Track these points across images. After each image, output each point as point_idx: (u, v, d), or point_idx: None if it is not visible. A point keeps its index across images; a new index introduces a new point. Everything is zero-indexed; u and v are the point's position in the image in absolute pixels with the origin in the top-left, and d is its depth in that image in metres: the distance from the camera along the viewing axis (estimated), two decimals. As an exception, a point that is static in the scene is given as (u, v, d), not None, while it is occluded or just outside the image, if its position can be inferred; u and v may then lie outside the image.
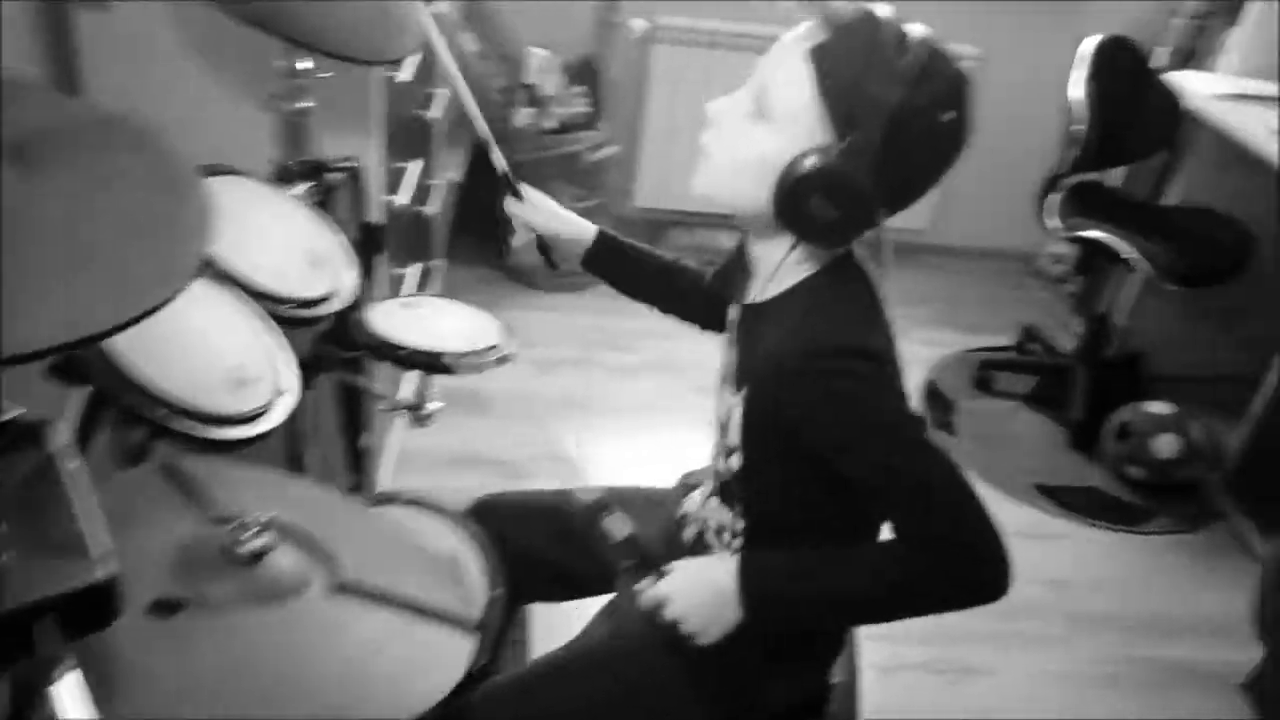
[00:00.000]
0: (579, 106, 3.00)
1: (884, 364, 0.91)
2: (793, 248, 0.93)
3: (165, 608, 0.66)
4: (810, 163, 0.86)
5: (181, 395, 0.89)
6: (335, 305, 1.24)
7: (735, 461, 1.01)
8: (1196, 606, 2.14)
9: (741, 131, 0.92)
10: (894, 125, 0.84)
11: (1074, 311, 3.10)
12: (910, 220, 3.30)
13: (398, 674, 0.69)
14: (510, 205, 1.27)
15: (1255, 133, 2.31)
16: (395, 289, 2.26)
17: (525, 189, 1.26)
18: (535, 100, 2.95)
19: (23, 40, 1.46)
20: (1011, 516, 1.90)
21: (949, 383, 2.76)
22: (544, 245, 1.28)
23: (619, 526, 1.04)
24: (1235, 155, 2.38)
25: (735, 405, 0.99)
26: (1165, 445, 2.27)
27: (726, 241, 3.27)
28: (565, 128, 2.96)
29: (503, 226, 1.52)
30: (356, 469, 1.86)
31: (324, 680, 0.67)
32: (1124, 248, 2.28)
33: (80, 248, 0.57)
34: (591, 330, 2.85)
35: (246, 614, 0.68)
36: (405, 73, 1.89)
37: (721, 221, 3.42)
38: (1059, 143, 2.40)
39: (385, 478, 2.09)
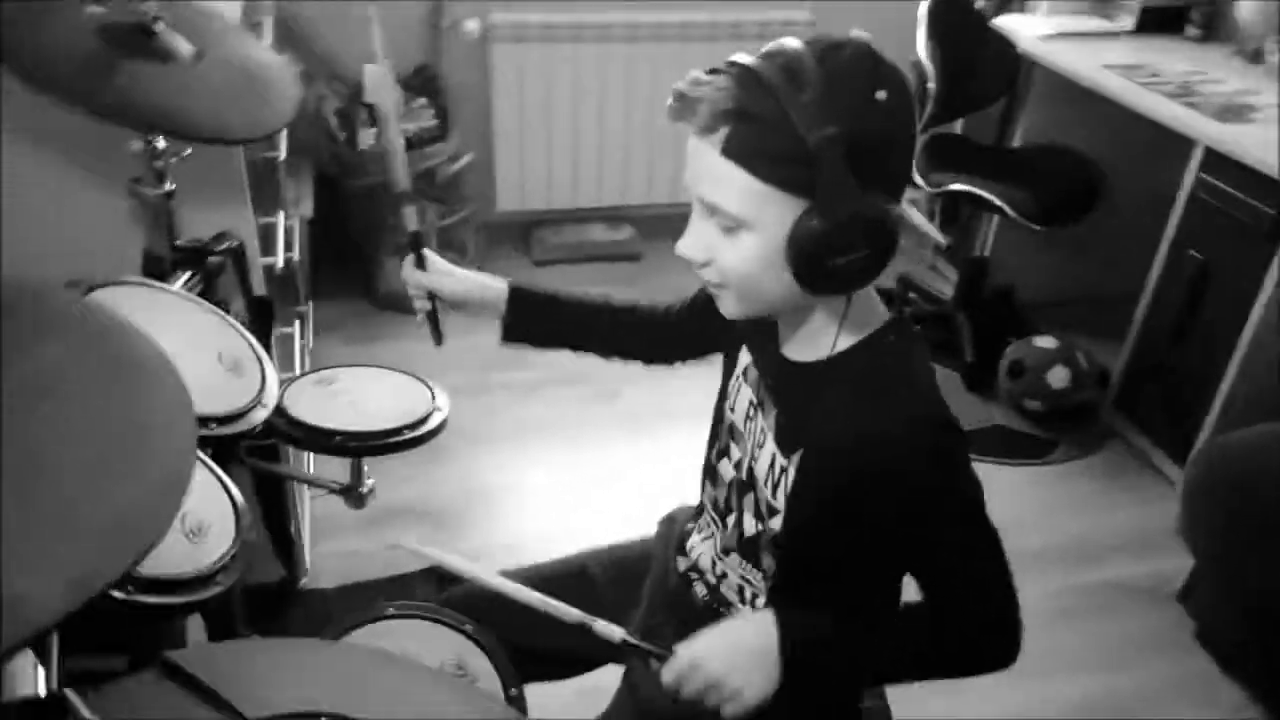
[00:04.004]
0: (425, 119, 2.86)
1: (965, 439, 0.89)
2: (847, 307, 0.90)
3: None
4: (809, 234, 0.81)
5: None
6: (263, 411, 1.12)
7: (775, 523, 0.97)
8: (1114, 526, 2.23)
9: (734, 252, 0.86)
10: (849, 150, 0.78)
11: (944, 259, 3.17)
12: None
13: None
14: (409, 272, 1.18)
15: (1086, 69, 2.45)
16: (285, 350, 2.10)
17: (429, 254, 1.18)
18: (377, 119, 2.79)
19: None
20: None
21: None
22: (434, 318, 1.21)
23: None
24: (1069, 93, 2.52)
25: (786, 467, 0.95)
26: (1057, 377, 2.39)
27: (597, 234, 3.27)
28: (415, 143, 2.81)
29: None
30: (287, 557, 1.73)
31: None
32: (989, 196, 2.37)
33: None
34: (478, 350, 2.72)
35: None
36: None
37: (589, 214, 3.36)
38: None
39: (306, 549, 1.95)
